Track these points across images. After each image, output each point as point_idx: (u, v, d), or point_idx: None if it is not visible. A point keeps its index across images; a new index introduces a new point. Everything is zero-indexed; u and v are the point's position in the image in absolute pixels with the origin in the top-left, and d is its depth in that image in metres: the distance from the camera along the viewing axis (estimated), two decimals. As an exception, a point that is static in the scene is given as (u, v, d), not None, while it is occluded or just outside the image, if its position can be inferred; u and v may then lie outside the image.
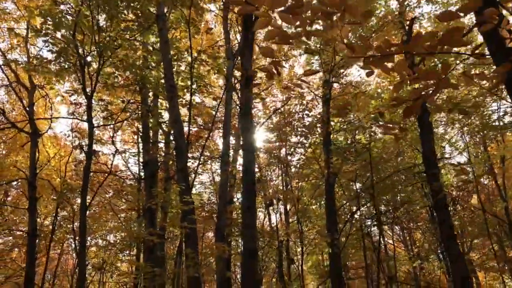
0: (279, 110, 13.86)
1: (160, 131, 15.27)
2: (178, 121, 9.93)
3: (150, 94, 13.52)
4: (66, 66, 12.08)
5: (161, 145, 15.29)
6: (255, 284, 7.87)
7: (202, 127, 16.79)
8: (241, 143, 11.04)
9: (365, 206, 13.75)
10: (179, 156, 9.31)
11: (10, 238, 18.15)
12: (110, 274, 21.03)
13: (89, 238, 19.89)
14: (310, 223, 13.69)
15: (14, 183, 19.38)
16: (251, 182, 8.95)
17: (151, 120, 13.34)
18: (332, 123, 12.50)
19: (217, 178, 19.22)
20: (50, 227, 18.57)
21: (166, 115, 15.72)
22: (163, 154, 13.49)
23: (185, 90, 13.55)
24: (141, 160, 14.31)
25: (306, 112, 12.95)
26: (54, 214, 12.48)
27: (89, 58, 11.22)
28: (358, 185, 13.59)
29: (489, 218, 14.99)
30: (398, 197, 13.86)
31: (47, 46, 11.35)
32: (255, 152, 9.59)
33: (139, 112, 12.94)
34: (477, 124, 13.51)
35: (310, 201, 13.10)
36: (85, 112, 11.90)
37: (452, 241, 9.42)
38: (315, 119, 12.71)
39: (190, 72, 9.88)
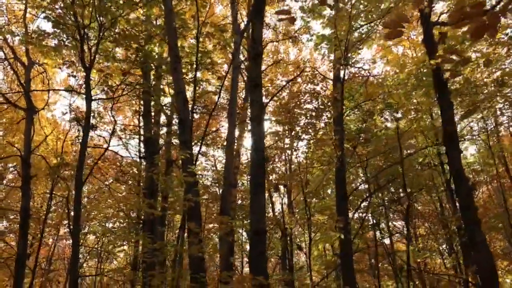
0: (287, 88, 13.12)
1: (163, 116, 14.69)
2: (182, 92, 9.27)
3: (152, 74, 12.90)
4: (65, 39, 11.45)
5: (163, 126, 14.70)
6: (264, 266, 7.19)
7: (204, 111, 16.11)
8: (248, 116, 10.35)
9: (376, 194, 13.01)
10: (183, 128, 8.63)
11: (5, 222, 17.53)
12: (108, 262, 20.46)
13: (87, 227, 19.28)
14: (319, 208, 12.98)
15: (10, 165, 18.79)
16: (261, 157, 8.28)
17: (153, 99, 12.74)
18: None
19: (219, 166, 18.60)
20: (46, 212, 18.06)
21: (167, 100, 15.16)
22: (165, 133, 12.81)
23: (189, 67, 12.90)
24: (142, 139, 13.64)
25: (318, 89, 12.22)
26: (49, 195, 11.79)
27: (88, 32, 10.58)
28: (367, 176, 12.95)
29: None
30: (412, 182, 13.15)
31: (45, 18, 10.73)
32: (264, 125, 8.86)
33: (140, 90, 12.26)
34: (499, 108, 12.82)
35: (320, 185, 12.37)
36: (83, 86, 11.29)
37: (477, 227, 8.73)
38: (326, 100, 12.00)
39: (197, 38, 9.16)
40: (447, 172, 14.55)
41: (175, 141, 13.56)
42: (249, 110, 11.06)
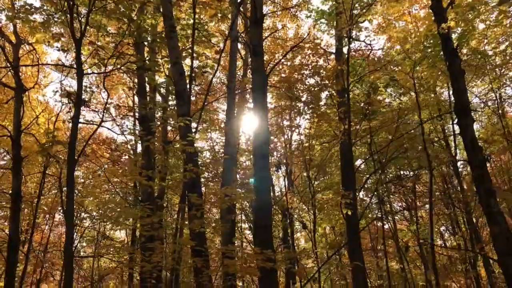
0: (289, 60, 12.50)
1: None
2: (178, 63, 8.76)
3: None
4: (53, 13, 10.81)
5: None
6: (270, 240, 6.74)
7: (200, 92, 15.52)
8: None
9: (380, 172, 12.52)
10: (180, 101, 8.12)
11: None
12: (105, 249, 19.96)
13: (82, 213, 18.76)
14: (324, 185, 12.54)
15: (2, 150, 18.19)
16: (265, 129, 7.78)
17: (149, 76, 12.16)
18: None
19: (217, 147, 18.06)
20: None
21: (160, 80, 14.52)
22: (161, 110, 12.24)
23: (185, 41, 12.29)
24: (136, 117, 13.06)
25: (321, 62, 11.67)
26: (42, 175, 11.23)
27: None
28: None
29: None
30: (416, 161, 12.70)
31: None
32: (266, 95, 8.34)
33: (134, 65, 11.64)
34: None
35: (324, 161, 11.87)
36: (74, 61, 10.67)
37: (493, 198, 8.29)
38: (329, 72, 11.44)
39: (193, 5, 8.58)
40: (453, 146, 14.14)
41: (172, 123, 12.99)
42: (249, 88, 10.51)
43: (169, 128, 13.40)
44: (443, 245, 17.59)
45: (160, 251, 5.83)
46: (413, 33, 16.14)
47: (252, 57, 8.68)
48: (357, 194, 12.63)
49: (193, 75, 8.90)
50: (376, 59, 14.90)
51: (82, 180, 18.71)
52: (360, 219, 8.93)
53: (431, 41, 12.29)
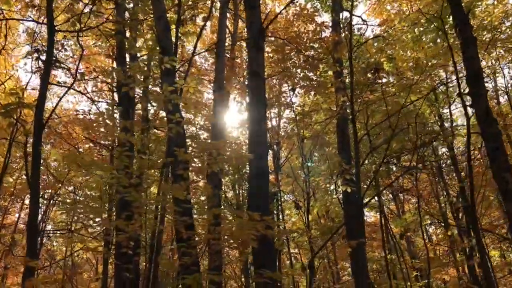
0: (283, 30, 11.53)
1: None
2: (163, 17, 7.76)
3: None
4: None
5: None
6: (268, 207, 5.81)
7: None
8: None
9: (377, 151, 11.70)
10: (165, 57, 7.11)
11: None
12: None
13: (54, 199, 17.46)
14: (319, 159, 11.70)
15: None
16: (260, 82, 6.85)
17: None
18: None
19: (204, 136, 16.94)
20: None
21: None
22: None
23: (171, 3, 11.23)
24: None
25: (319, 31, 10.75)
26: (8, 147, 10.03)
27: None
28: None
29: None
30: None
31: None
32: (263, 53, 7.40)
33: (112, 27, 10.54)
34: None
35: (319, 137, 10.98)
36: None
37: (509, 174, 7.53)
38: (327, 44, 10.55)
39: None
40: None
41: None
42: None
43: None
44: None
45: (139, 220, 4.81)
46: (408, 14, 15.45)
47: (247, 10, 7.73)
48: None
49: (179, 27, 7.85)
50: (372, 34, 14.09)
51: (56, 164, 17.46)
52: (363, 196, 8.04)
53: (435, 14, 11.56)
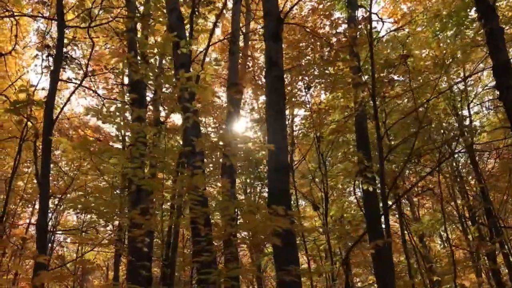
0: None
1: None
2: (176, 9, 7.59)
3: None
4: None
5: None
6: (289, 205, 5.45)
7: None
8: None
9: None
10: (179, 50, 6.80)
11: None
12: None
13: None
14: (338, 158, 11.30)
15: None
16: (280, 73, 6.53)
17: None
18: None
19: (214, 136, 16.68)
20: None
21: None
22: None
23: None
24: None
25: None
26: (18, 149, 9.80)
27: None
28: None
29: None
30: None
31: None
32: (281, 41, 7.07)
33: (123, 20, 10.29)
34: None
35: (337, 136, 10.57)
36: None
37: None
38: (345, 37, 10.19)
39: None
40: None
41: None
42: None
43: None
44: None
45: (153, 207, 4.49)
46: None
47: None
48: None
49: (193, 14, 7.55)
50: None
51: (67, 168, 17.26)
52: (387, 195, 7.61)
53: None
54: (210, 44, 9.06)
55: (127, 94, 11.29)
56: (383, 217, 8.18)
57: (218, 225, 4.95)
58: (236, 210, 6.57)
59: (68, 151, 13.81)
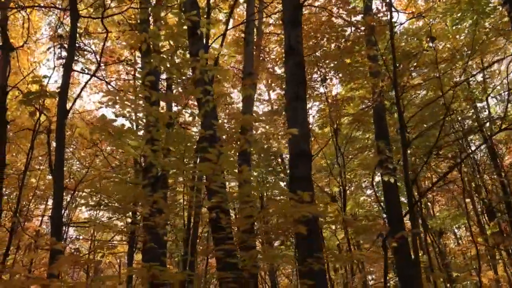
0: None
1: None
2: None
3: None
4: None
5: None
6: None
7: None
8: None
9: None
10: (193, 38, 6.59)
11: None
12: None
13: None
14: (356, 147, 11.00)
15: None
16: (299, 53, 6.29)
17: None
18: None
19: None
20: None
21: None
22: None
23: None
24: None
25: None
26: (31, 142, 9.70)
27: None
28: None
29: None
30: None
31: None
32: (301, 27, 6.83)
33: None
34: None
35: (354, 126, 10.33)
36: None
37: None
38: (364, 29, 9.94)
39: None
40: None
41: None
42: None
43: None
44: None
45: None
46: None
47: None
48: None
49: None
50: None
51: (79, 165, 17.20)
52: (412, 183, 7.33)
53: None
54: (228, 29, 8.86)
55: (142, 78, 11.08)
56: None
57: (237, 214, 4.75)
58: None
59: (84, 136, 13.69)
